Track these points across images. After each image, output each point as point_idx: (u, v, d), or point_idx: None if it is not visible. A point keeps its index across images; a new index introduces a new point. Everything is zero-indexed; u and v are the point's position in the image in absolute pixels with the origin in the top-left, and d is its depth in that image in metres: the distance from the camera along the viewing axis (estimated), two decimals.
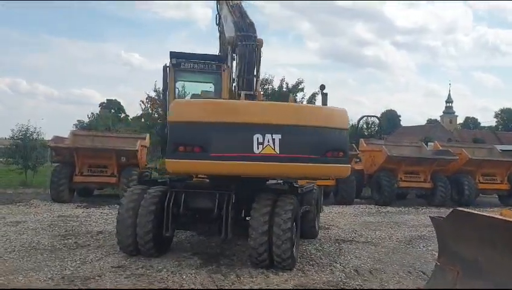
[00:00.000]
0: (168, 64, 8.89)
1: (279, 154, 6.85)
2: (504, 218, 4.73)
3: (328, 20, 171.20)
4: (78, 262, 7.43)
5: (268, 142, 6.83)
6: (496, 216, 4.97)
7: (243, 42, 8.97)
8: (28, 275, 6.60)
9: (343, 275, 7.15)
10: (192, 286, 6.34)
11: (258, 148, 6.82)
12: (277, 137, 6.86)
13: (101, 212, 13.18)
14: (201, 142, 6.86)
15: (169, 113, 7.29)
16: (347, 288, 6.08)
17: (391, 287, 6.63)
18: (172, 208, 7.58)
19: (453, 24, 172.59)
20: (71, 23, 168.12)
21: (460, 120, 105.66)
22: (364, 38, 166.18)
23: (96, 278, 6.59)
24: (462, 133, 75.79)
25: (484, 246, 5.03)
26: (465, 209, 5.34)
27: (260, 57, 9.04)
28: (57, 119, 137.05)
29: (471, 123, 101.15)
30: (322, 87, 7.43)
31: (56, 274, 6.70)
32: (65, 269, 6.98)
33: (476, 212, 5.23)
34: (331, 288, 6.48)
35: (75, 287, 6.15)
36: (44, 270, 6.90)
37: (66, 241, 9.06)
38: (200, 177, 11.12)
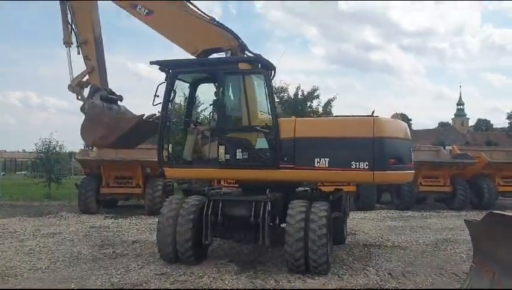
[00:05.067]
0: (252, 69, 8.28)
1: (413, 164, 8.45)
2: None
3: (333, 26, 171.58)
4: (122, 270, 7.77)
5: (413, 154, 8.49)
6: None
7: (249, 51, 9.02)
8: (79, 284, 6.96)
9: (378, 278, 7.41)
10: None
11: (412, 160, 8.36)
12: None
13: (130, 223, 13.54)
14: (400, 155, 7.95)
15: (380, 129, 7.78)
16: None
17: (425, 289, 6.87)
18: (210, 216, 7.92)
19: (460, 25, 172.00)
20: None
21: (471, 122, 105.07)
22: (370, 43, 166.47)
23: (144, 285, 6.93)
24: (475, 136, 75.37)
25: None
26: (501, 212, 5.58)
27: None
28: (69, 131, 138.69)
29: (483, 125, 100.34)
30: (373, 112, 8.11)
31: (105, 282, 7.06)
32: (112, 277, 7.34)
33: (511, 214, 5.46)
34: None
35: None
36: (92, 278, 7.27)
37: (104, 251, 9.41)
38: (229, 186, 11.44)
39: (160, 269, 7.82)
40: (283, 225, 8.04)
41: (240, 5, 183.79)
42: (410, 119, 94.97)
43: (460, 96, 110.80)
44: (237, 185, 10.01)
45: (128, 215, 15.02)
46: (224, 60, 8.75)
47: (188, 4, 9.43)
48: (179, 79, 8.93)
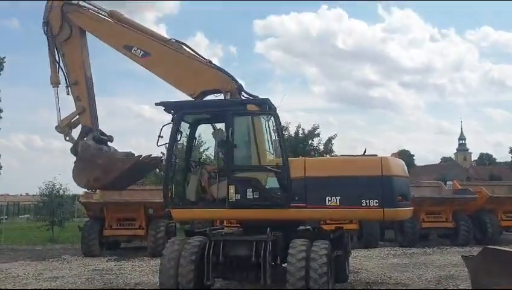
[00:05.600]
0: (260, 110, 8.50)
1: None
2: None
3: (333, 64, 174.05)
4: None
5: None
6: None
7: (246, 93, 9.37)
8: None
9: None
10: None
11: (411, 196, 8.96)
12: None
13: (133, 265, 13.51)
14: (404, 192, 8.44)
15: (388, 168, 8.23)
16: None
17: None
18: (211, 257, 7.96)
19: (458, 62, 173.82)
20: None
21: (474, 157, 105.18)
22: (371, 80, 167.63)
23: None
24: (478, 170, 75.32)
25: None
26: (495, 247, 5.69)
27: None
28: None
29: (486, 159, 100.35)
30: (365, 151, 8.56)
31: None
32: None
33: (505, 249, 5.56)
34: None
35: None
36: None
37: None
38: (231, 226, 11.50)
39: None
40: (284, 265, 8.09)
41: (240, 47, 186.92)
42: (413, 155, 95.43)
43: (461, 131, 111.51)
44: (238, 225, 10.10)
45: (131, 257, 14.99)
46: (233, 102, 8.89)
47: (185, 47, 9.65)
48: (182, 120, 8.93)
